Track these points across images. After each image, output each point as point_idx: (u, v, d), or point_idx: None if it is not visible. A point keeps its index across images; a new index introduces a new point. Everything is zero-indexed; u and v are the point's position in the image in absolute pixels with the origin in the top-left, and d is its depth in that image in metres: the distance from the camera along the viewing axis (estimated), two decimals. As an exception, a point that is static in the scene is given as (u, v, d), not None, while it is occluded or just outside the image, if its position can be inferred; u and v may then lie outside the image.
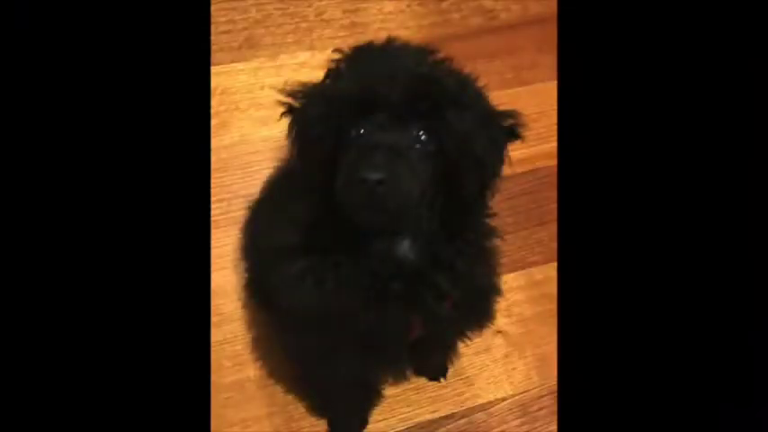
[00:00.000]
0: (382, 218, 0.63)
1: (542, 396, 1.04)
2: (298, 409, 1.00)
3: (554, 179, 1.22)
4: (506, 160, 0.67)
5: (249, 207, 1.04)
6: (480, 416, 1.02)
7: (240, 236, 1.07)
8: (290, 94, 0.68)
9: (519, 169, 1.19)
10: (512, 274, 1.13)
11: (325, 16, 1.31)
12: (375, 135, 0.61)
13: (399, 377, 0.85)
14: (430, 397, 1.03)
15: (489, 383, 1.05)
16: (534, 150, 1.22)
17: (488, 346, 1.07)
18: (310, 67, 1.25)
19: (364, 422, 0.99)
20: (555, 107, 1.23)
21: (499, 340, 1.08)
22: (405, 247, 0.67)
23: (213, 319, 1.04)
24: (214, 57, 1.23)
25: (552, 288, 1.13)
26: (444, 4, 1.36)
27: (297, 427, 0.99)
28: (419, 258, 0.68)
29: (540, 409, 1.04)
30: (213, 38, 1.25)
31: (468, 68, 0.68)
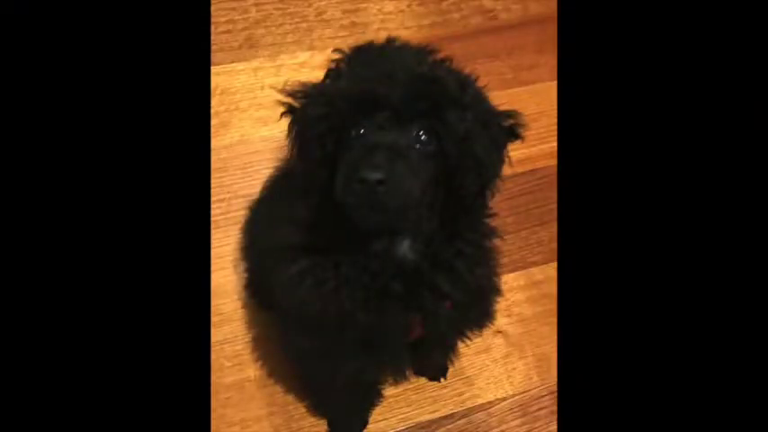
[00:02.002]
0: (382, 218, 0.63)
1: (542, 396, 1.04)
2: (298, 409, 1.00)
3: (554, 179, 1.22)
4: (506, 160, 0.67)
5: (249, 207, 1.04)
6: (480, 416, 1.02)
7: (240, 236, 1.07)
8: (290, 94, 0.68)
9: (519, 169, 1.19)
10: (512, 274, 1.13)
11: (325, 16, 1.31)
12: (375, 135, 0.61)
13: (399, 377, 0.85)
14: (430, 397, 1.03)
15: (489, 383, 1.05)
16: (534, 150, 1.22)
17: (488, 346, 1.07)
18: (310, 67, 1.25)
19: (364, 422, 0.99)
20: (555, 107, 1.24)
21: (499, 340, 1.08)
22: (405, 247, 0.67)
23: (213, 319, 1.04)
24: (214, 57, 1.23)
25: (552, 288, 1.13)
26: (444, 4, 1.36)
27: (297, 427, 0.99)
28: (419, 258, 0.68)
29: (540, 409, 1.04)
30: (213, 38, 1.25)
31: (468, 68, 0.68)
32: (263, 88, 1.23)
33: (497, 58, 1.33)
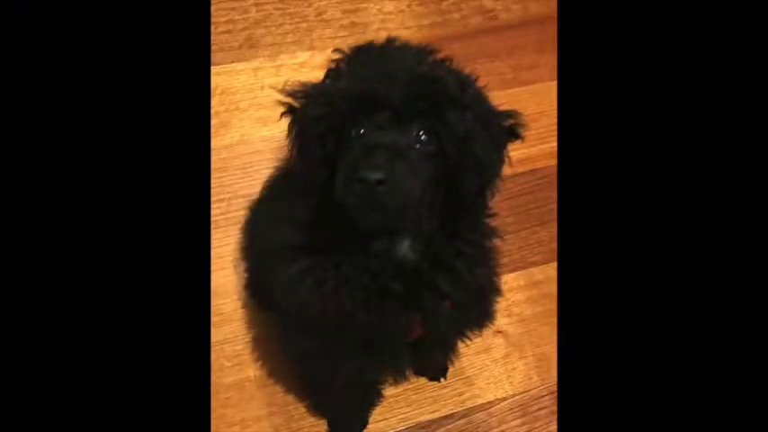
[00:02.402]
0: (382, 218, 0.63)
1: (542, 396, 1.04)
2: (298, 409, 1.00)
3: (554, 179, 1.22)
4: (506, 160, 0.67)
5: (249, 207, 1.04)
6: (480, 416, 1.02)
7: (240, 236, 1.07)
8: (290, 94, 0.68)
9: (519, 169, 1.19)
10: (512, 274, 1.13)
11: (325, 16, 1.31)
12: (375, 135, 0.61)
13: (399, 377, 0.85)
14: (430, 397, 1.03)
15: (489, 383, 1.05)
16: (534, 150, 1.22)
17: (488, 346, 1.07)
18: (310, 67, 1.25)
19: (364, 422, 0.99)
20: (555, 107, 1.23)
21: (499, 340, 1.08)
22: (405, 247, 0.67)
23: (213, 319, 1.04)
24: (214, 57, 1.23)
25: (552, 288, 1.13)
26: (444, 4, 1.36)
27: (297, 427, 0.99)
28: (419, 258, 0.68)
29: (540, 409, 1.04)
30: (213, 38, 1.25)
31: (468, 68, 0.68)
32: (263, 88, 1.23)
33: (497, 58, 1.33)
